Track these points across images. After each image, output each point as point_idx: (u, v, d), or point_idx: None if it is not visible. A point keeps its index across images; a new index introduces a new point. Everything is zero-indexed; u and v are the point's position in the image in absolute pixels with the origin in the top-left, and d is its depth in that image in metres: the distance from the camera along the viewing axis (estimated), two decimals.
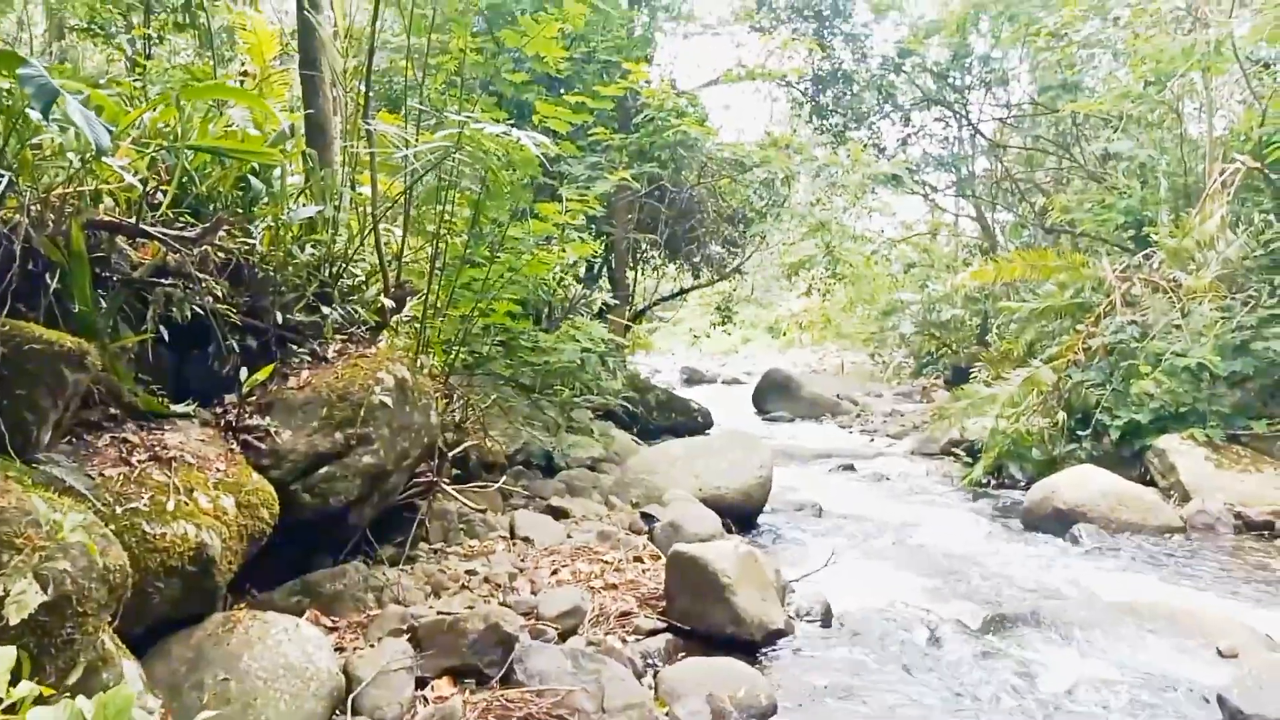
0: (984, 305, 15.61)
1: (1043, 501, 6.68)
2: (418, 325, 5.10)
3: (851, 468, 9.15)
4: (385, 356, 4.21)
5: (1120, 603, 4.19)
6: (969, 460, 8.67)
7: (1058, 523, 6.41)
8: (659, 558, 4.72)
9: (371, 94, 5.09)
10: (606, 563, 4.57)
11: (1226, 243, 8.23)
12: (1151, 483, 7.22)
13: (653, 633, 3.81)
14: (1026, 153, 16.13)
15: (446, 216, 5.30)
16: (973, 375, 11.36)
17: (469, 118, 4.68)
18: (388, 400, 3.96)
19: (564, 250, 6.58)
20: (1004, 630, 4.01)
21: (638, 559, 4.71)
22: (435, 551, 4.53)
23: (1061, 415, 8.13)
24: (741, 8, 16.53)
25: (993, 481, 8.22)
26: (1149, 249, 8.97)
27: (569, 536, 5.02)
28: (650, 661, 3.58)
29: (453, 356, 5.49)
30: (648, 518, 5.65)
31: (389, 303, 4.63)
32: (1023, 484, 7.85)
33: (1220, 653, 3.63)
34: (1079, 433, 7.99)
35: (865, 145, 15.21)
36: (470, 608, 3.57)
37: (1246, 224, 8.60)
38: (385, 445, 3.95)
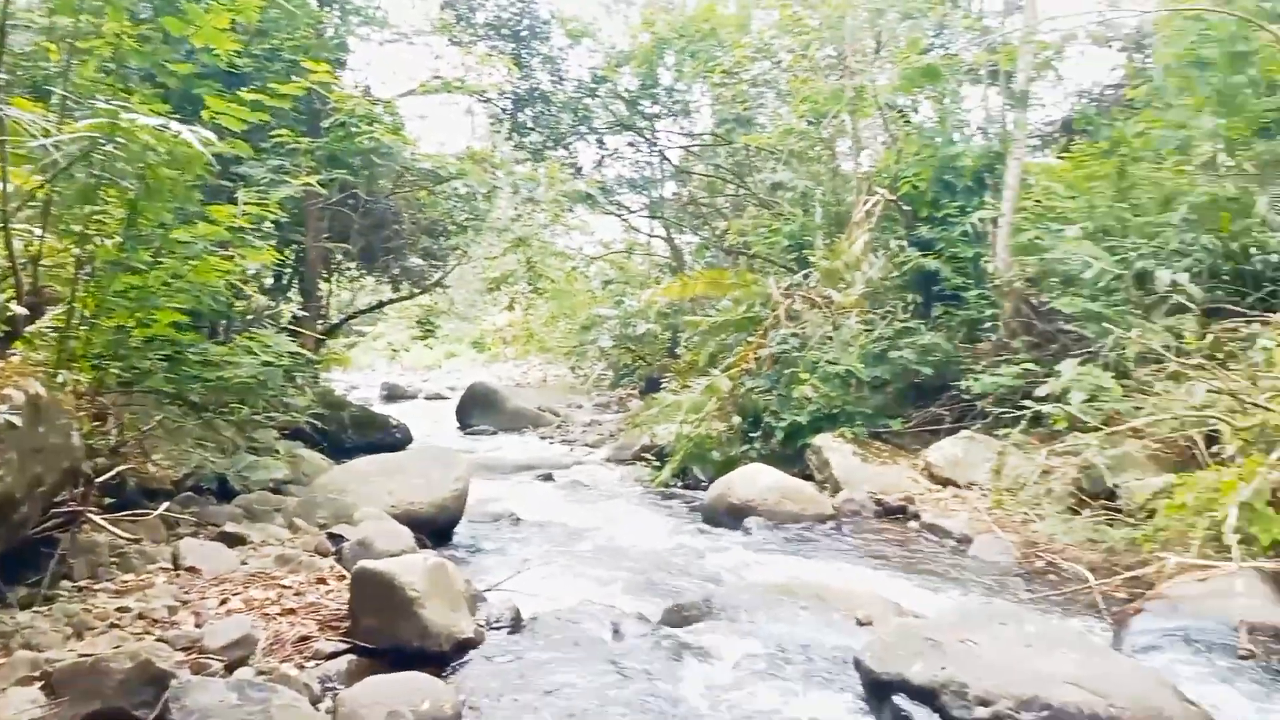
0: (674, 320, 16.59)
1: (719, 498, 7.22)
2: (60, 336, 4.54)
3: (550, 477, 9.34)
4: (15, 371, 3.71)
5: (779, 584, 4.62)
6: (658, 464, 9.17)
7: (732, 517, 6.96)
8: (345, 578, 4.54)
9: (7, 77, 4.48)
10: (285, 587, 4.32)
11: (869, 265, 9.39)
12: (810, 477, 8.04)
13: (333, 655, 3.66)
14: (708, 179, 17.39)
15: (98, 216, 4.77)
16: (664, 385, 12.05)
17: (122, 106, 4.25)
18: (16, 420, 3.49)
19: (241, 257, 6.15)
20: (680, 619, 4.29)
21: (321, 581, 4.50)
22: (80, 589, 4.04)
23: (736, 419, 8.84)
24: (439, 19, 16.41)
25: (679, 483, 8.76)
26: (808, 269, 10.01)
27: (243, 563, 4.69)
28: (330, 685, 3.43)
29: (104, 371, 4.94)
30: (335, 538, 5.41)
31: (21, 311, 4.09)
32: (705, 484, 8.43)
33: (859, 622, 4.11)
34: (751, 434, 8.73)
35: (562, 164, 15.64)
36: (118, 647, 3.22)
37: (885, 249, 9.87)
38: (13, 471, 3.48)
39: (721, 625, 4.17)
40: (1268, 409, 4.90)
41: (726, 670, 3.68)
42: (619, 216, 19.10)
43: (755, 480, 7.30)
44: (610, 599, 4.72)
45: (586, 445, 12.29)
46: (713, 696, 3.42)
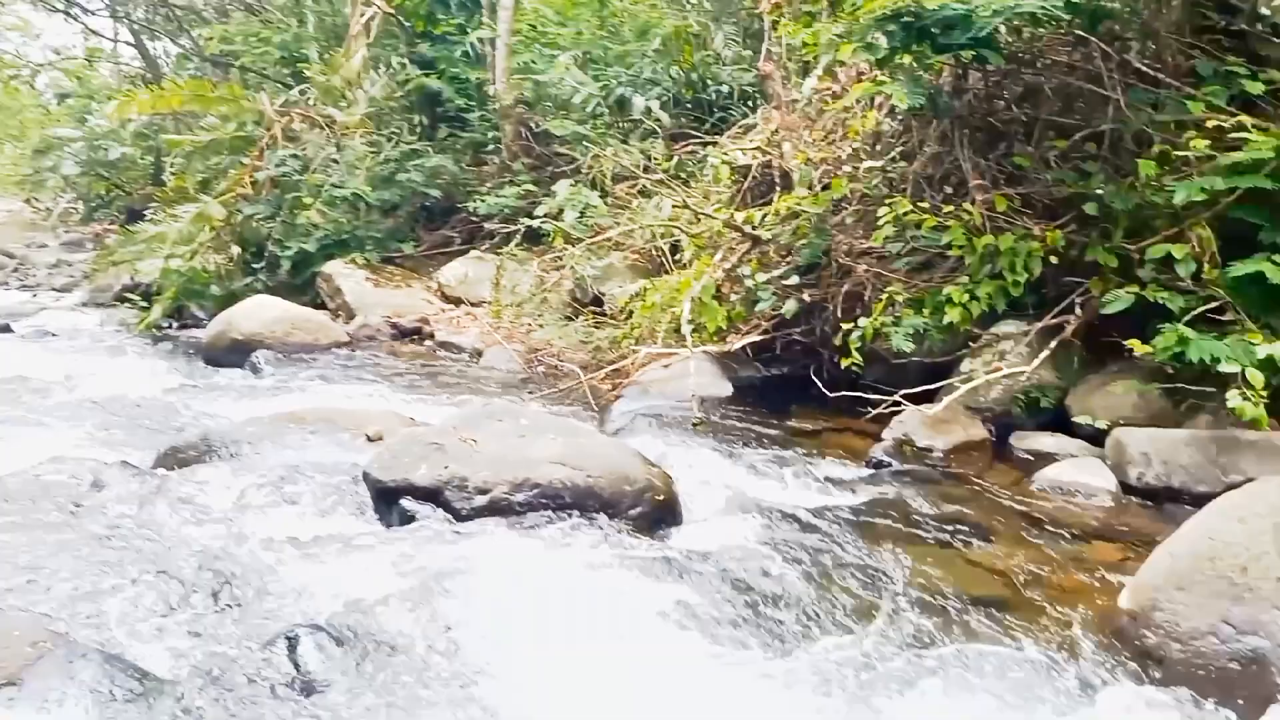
0: (156, 142, 14.54)
1: (221, 335, 6.74)
2: None
3: (8, 328, 7.92)
4: None
5: (288, 414, 4.49)
6: (145, 305, 8.21)
7: (237, 353, 6.56)
8: None
9: None
10: None
11: (371, 83, 9.00)
12: (323, 306, 7.82)
13: None
14: None
15: None
16: (149, 216, 10.65)
17: None
18: None
19: None
20: (176, 462, 4.00)
21: None
22: None
23: (236, 249, 8.18)
24: None
25: (174, 323, 7.98)
26: (305, 85, 9.32)
27: None
28: None
29: None
30: None
31: None
32: (205, 322, 7.77)
33: (369, 438, 4.17)
34: (254, 265, 8.17)
35: None
36: None
37: (387, 66, 9.51)
38: None
39: (224, 462, 3.96)
40: (713, 218, 5.75)
41: (230, 503, 3.54)
42: (70, 16, 15.92)
43: (261, 313, 6.91)
44: (91, 452, 4.22)
45: (55, 289, 10.58)
46: (214, 530, 3.28)
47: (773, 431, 4.80)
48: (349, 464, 3.87)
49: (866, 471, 4.23)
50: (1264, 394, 3.52)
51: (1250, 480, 3.14)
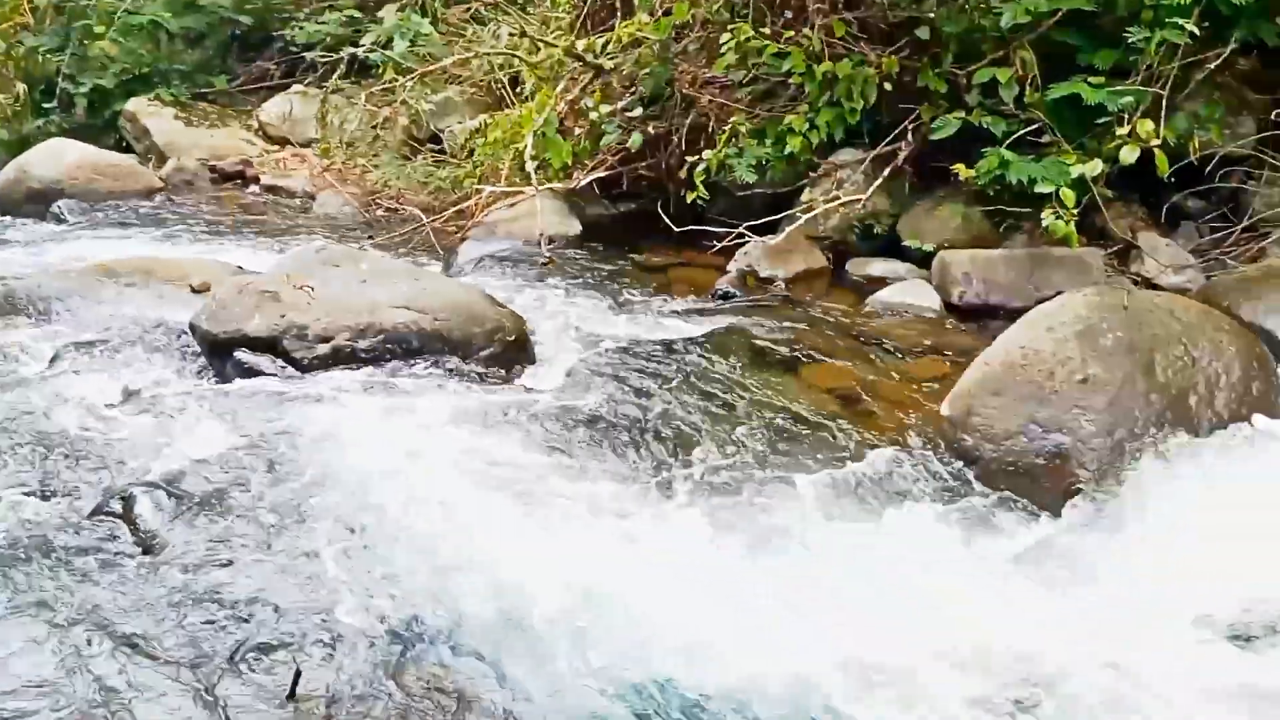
0: None
1: (16, 183, 6.09)
2: None
3: None
4: None
5: (99, 266, 4.14)
6: None
7: (37, 203, 5.96)
8: None
9: None
10: None
11: None
12: (130, 149, 7.13)
13: None
14: None
15: None
16: None
17: None
18: None
19: None
20: None
21: None
22: None
23: (22, 87, 7.29)
24: None
25: None
26: None
27: None
28: None
29: None
30: None
31: None
32: None
33: (194, 289, 3.92)
34: (46, 105, 7.32)
35: None
36: None
37: None
38: None
39: (31, 321, 3.65)
40: (553, 45, 5.49)
41: (43, 366, 3.29)
42: None
43: (60, 158, 6.25)
44: None
45: None
46: (27, 395, 3.05)
47: (622, 268, 4.81)
48: (173, 318, 3.64)
49: (713, 303, 4.32)
50: (1075, 213, 3.76)
51: (1060, 294, 3.39)
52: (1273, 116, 3.91)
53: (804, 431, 3.12)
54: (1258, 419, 2.74)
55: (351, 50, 6.07)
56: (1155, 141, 3.62)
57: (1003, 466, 2.73)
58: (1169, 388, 2.71)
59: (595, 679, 1.96)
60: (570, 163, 5.24)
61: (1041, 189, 3.80)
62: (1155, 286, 3.93)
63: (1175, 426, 2.69)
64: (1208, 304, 3.26)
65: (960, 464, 2.83)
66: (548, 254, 4.74)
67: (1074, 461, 2.64)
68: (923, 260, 4.34)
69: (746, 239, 4.49)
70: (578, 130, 5.28)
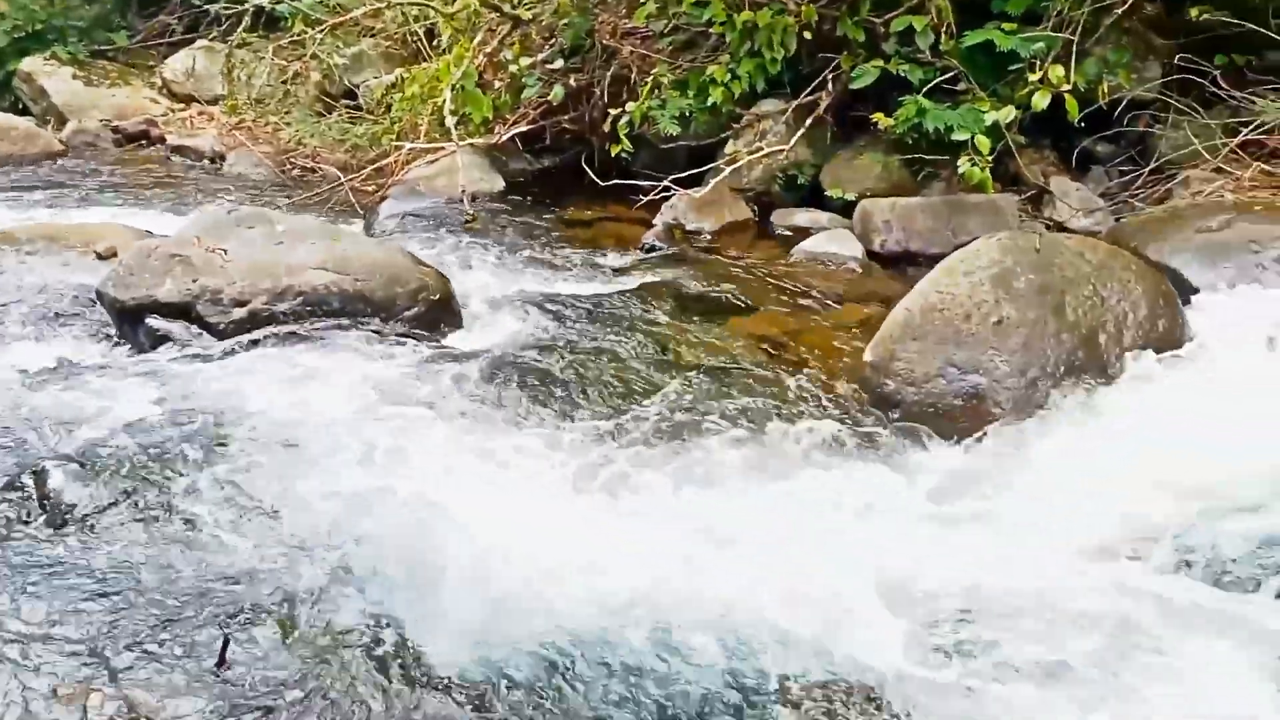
0: None
1: None
2: None
3: None
4: None
5: None
6: None
7: None
8: None
9: None
10: None
11: None
12: (26, 111, 6.78)
13: None
14: None
15: None
16: None
17: None
18: None
19: None
20: None
21: None
22: None
23: None
24: None
25: None
26: None
27: None
28: None
29: None
30: None
31: None
32: None
33: (100, 255, 3.77)
34: None
35: None
36: None
37: None
38: None
39: None
40: None
41: None
42: None
43: None
44: None
45: None
46: None
47: (548, 224, 4.77)
48: (79, 285, 3.50)
49: (639, 257, 4.31)
50: (990, 159, 3.84)
51: (976, 239, 3.46)
52: (1177, 60, 4.02)
53: (734, 380, 3.15)
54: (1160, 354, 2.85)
55: (257, 2, 5.82)
56: (1066, 87, 3.71)
57: (923, 408, 2.80)
58: (1079, 327, 2.81)
59: (516, 624, 1.97)
60: (491, 117, 5.15)
61: (957, 136, 3.86)
62: (1067, 230, 4.05)
63: (1086, 364, 2.79)
64: (1116, 245, 3.36)
65: (882, 406, 2.90)
66: (470, 211, 4.67)
67: (990, 401, 2.73)
68: (845, 209, 4.39)
69: (672, 192, 4.48)
70: (498, 84, 5.19)
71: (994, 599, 2.11)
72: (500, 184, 5.13)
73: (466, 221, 4.61)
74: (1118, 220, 3.95)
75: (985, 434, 2.69)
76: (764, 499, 2.54)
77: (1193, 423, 2.59)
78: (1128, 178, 4.20)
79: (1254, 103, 3.80)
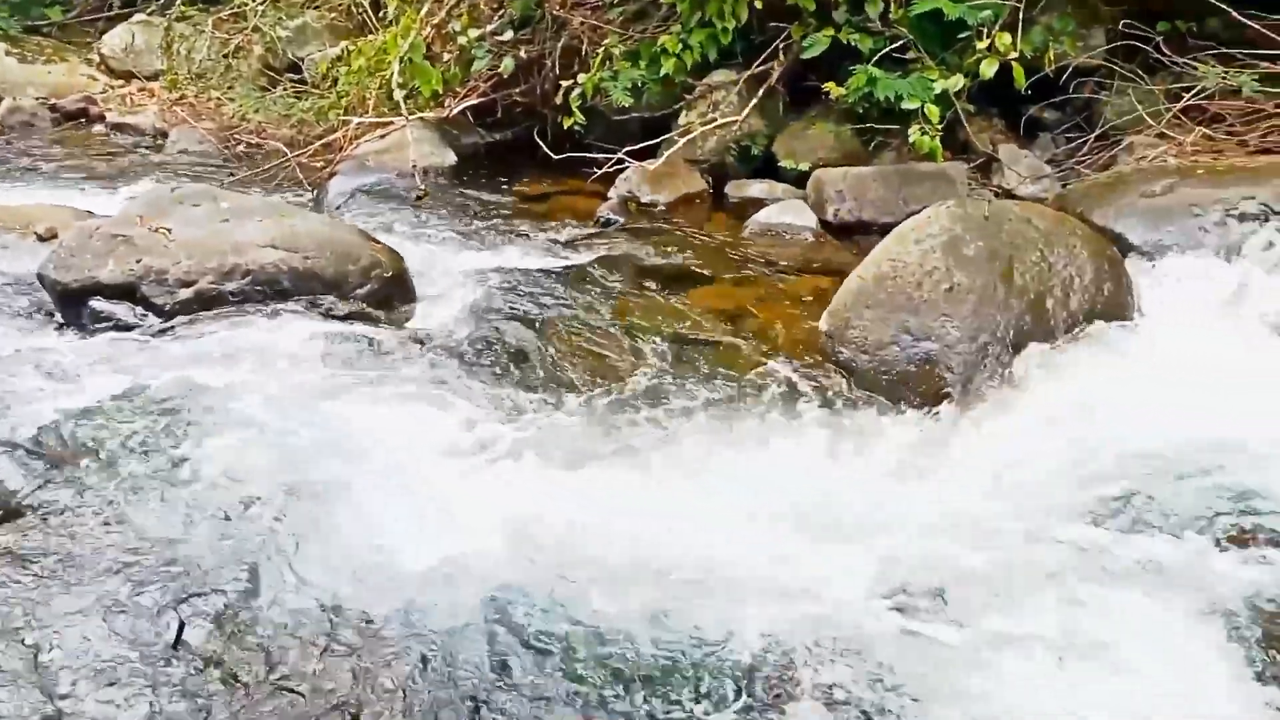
0: None
1: None
2: None
3: None
4: None
5: None
6: None
7: None
8: None
9: None
10: None
11: None
12: None
13: None
14: None
15: None
16: None
17: None
18: None
19: None
20: None
21: None
22: None
23: None
24: None
25: None
26: None
27: None
28: None
29: None
30: None
31: None
32: None
33: (39, 236, 3.66)
34: None
35: None
36: None
37: None
38: None
39: None
40: None
41: None
42: None
43: None
44: None
45: None
46: None
47: (501, 199, 4.72)
48: (19, 269, 3.40)
49: (594, 230, 4.29)
50: (940, 128, 3.87)
51: (927, 207, 3.49)
52: (1121, 27, 4.07)
53: (691, 352, 3.17)
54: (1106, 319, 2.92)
55: None
56: (1013, 55, 3.74)
57: (878, 376, 2.83)
58: (1027, 292, 2.85)
59: (482, 602, 1.98)
60: (441, 91, 5.08)
61: (907, 105, 3.89)
62: (1015, 197, 4.10)
63: (1034, 328, 2.84)
64: (1063, 211, 3.42)
65: (838, 374, 2.93)
66: (422, 187, 4.60)
67: (942, 366, 2.76)
68: (799, 180, 4.40)
69: (626, 164, 4.46)
70: (446, 56, 5.11)
71: (952, 560, 2.15)
72: (452, 159, 5.07)
73: (418, 197, 4.55)
74: (1065, 186, 4.00)
75: (939, 399, 2.73)
76: (727, 467, 2.56)
77: (1138, 385, 2.66)
78: (1074, 144, 4.26)
79: (1195, 68, 3.86)
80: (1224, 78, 3.82)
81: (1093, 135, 4.14)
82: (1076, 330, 2.88)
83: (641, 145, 4.48)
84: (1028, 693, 1.77)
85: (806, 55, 4.28)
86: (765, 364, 3.08)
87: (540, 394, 2.88)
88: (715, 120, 4.52)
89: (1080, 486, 2.42)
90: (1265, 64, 3.80)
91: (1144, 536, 2.22)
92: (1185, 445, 2.48)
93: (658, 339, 3.19)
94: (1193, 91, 3.87)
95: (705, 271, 3.82)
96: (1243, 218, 3.16)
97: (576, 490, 2.43)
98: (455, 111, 5.11)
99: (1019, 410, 2.66)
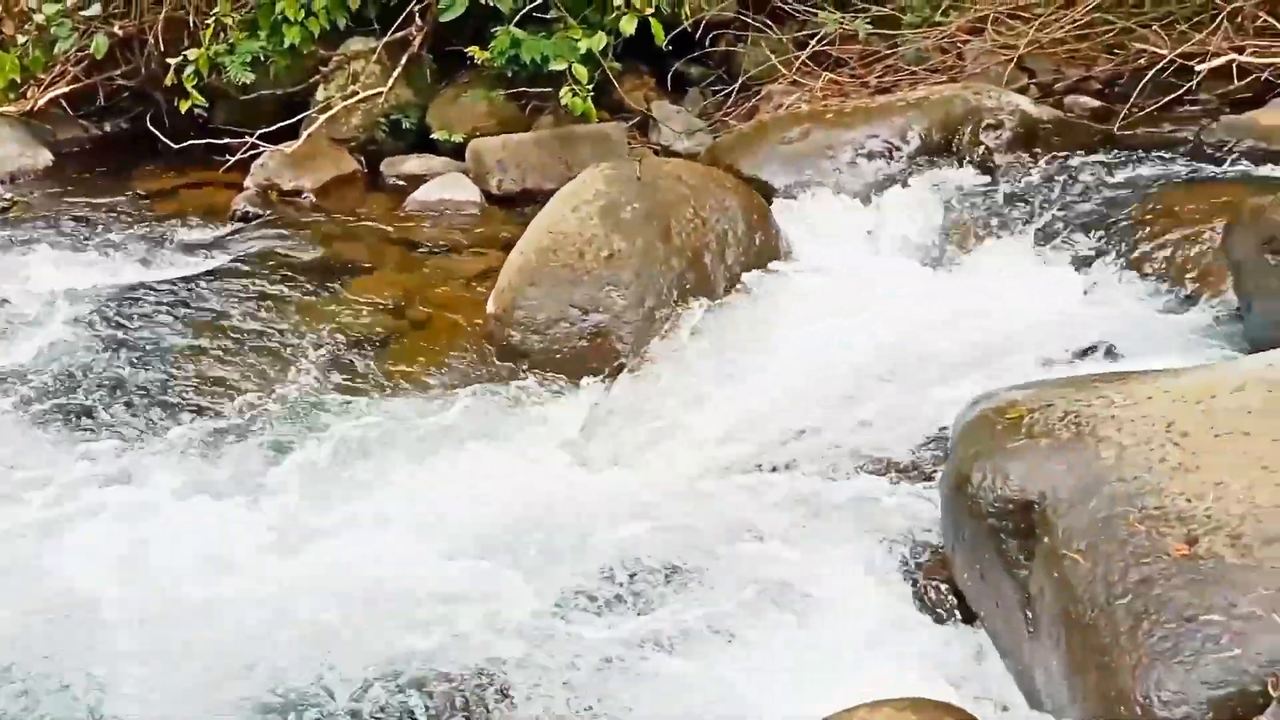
0: None
1: None
2: None
3: None
4: None
5: None
6: None
7: None
8: None
9: None
10: None
11: None
12: None
13: None
14: None
15: None
16: None
17: None
18: None
19: None
20: None
21: None
22: None
23: None
24: None
25: None
26: None
27: None
28: None
29: None
30: None
31: None
32: None
33: None
34: None
35: None
36: None
37: None
38: None
39: None
40: None
41: None
42: None
43: None
44: None
45: None
46: None
47: (115, 200, 4.08)
48: None
49: (233, 227, 3.81)
50: (590, 89, 3.78)
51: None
52: None
53: (352, 354, 2.89)
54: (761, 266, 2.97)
55: None
56: (649, 10, 3.71)
57: (550, 355, 2.71)
58: (685, 250, 2.83)
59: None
60: (20, 79, 4.27)
61: (555, 67, 3.76)
62: (674, 153, 4.13)
63: (696, 285, 2.83)
64: (714, 165, 3.46)
65: (513, 359, 2.77)
66: (8, 196, 3.87)
67: (613, 337, 2.69)
68: (457, 152, 4.16)
69: (262, 149, 4.00)
70: (21, 38, 4.29)
71: (643, 542, 2.07)
72: (47, 158, 4.31)
73: (3, 209, 3.81)
74: (716, 139, 4.08)
75: (613, 370, 2.66)
76: (400, 476, 2.35)
77: (794, 328, 2.72)
78: (720, 96, 4.36)
79: (815, 15, 4.06)
80: (841, 23, 4.04)
81: (735, 87, 4.25)
82: (736, 282, 2.90)
83: (278, 126, 4.04)
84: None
85: (445, 18, 4.03)
86: (438, 355, 2.88)
87: (170, 425, 2.51)
88: (358, 93, 4.16)
89: (751, 434, 2.43)
90: (875, 8, 4.07)
91: (816, 479, 2.26)
92: (842, 379, 2.55)
93: (311, 345, 2.89)
94: (816, 38, 4.06)
95: (364, 261, 3.52)
96: (870, 156, 3.34)
97: (220, 518, 2.13)
98: (42, 102, 4.34)
99: (679, 368, 2.63)
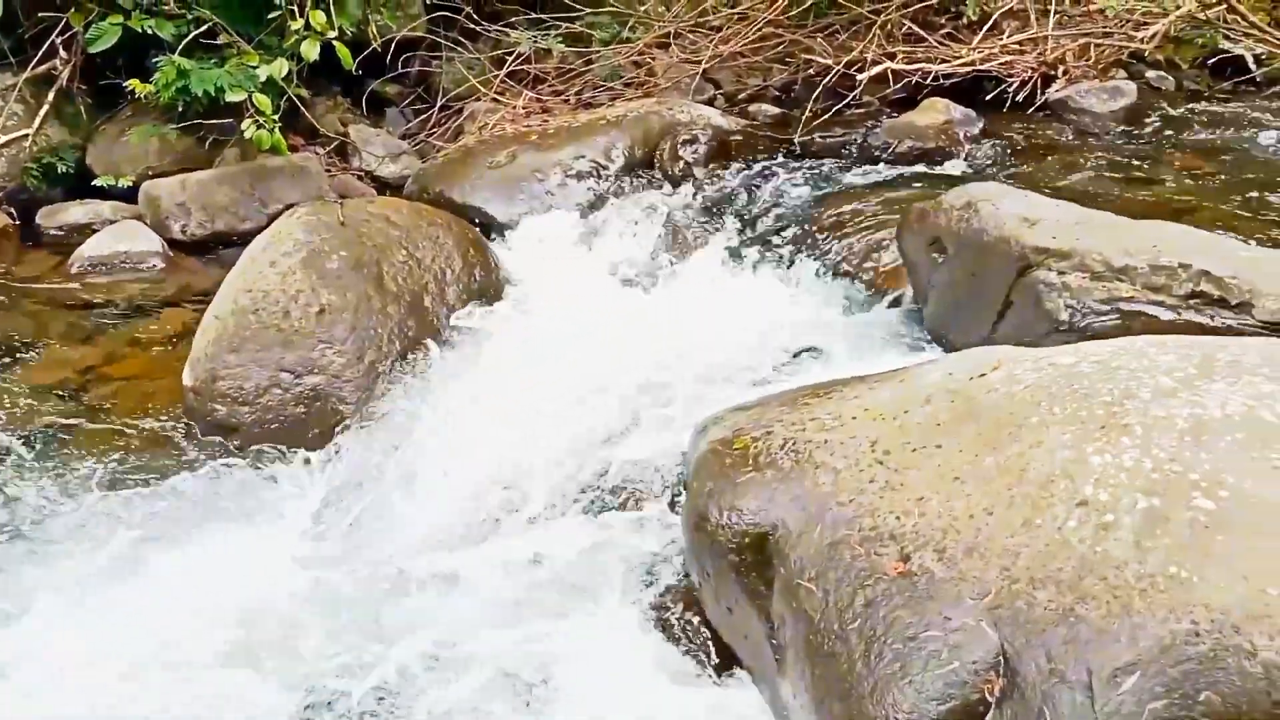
0: None
1: None
2: None
3: None
4: None
5: None
6: None
7: None
8: None
9: None
10: None
11: None
12: None
13: None
14: None
15: None
16: None
17: None
18: None
19: None
20: None
21: None
22: None
23: None
24: None
25: None
26: None
27: None
28: None
29: None
30: None
31: None
32: None
33: None
34: None
35: None
36: None
37: None
38: None
39: None
40: None
41: None
42: None
43: None
44: None
45: None
46: None
47: None
48: None
49: None
50: (276, 119, 3.50)
51: (292, 206, 3.14)
52: None
53: (22, 452, 2.50)
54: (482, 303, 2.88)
55: None
56: (332, 33, 3.48)
57: (265, 426, 2.48)
58: (402, 296, 2.69)
59: None
60: None
61: (232, 98, 3.44)
62: (380, 178, 3.95)
63: (419, 330, 2.70)
64: (424, 193, 3.33)
65: (221, 434, 2.51)
66: None
67: (334, 399, 2.51)
68: (130, 195, 3.72)
69: None
70: None
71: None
72: None
73: None
74: (424, 162, 3.93)
75: (337, 432, 2.48)
76: (96, 597, 2.05)
77: (518, 358, 2.63)
78: (423, 116, 4.21)
79: (508, 34, 4.01)
80: (535, 41, 4.02)
81: (436, 106, 4.11)
82: (459, 320, 2.80)
83: None
84: None
85: (95, 49, 3.56)
86: (131, 440, 2.56)
87: None
88: None
89: (503, 471, 2.34)
90: (565, 25, 4.08)
91: (576, 511, 2.21)
92: (566, 402, 2.49)
93: None
94: (513, 56, 4.01)
95: (30, 333, 3.08)
96: (579, 176, 3.35)
97: None
98: None
99: (419, 420, 2.50)
